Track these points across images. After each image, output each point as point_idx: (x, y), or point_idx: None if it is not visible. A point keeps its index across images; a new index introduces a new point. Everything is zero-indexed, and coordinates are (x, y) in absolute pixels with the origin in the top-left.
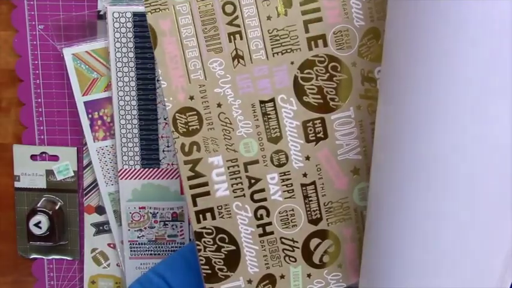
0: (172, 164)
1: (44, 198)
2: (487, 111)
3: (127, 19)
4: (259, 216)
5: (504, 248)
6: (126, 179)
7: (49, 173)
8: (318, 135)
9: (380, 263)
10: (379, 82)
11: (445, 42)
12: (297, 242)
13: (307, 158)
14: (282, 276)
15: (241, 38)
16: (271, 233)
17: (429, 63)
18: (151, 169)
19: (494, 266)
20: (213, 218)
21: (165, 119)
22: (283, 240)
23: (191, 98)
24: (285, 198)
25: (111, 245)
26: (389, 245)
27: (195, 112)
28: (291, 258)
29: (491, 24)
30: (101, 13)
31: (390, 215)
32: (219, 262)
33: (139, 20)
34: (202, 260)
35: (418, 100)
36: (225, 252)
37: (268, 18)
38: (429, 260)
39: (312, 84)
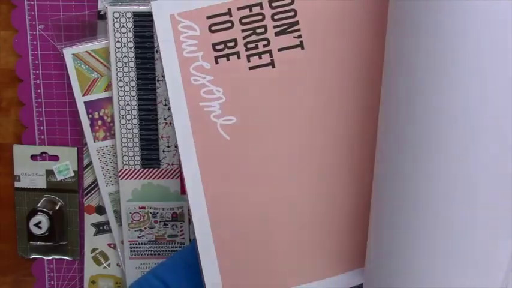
0: (172, 164)
1: (44, 198)
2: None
3: (127, 19)
4: None
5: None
6: (126, 179)
7: (49, 173)
8: None
9: (386, 263)
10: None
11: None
12: None
13: None
14: None
15: None
16: None
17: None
18: (151, 169)
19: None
20: None
21: (165, 119)
22: None
23: None
24: None
25: (111, 245)
26: (395, 245)
27: None
28: None
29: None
30: (101, 13)
31: (395, 216)
32: None
33: (139, 20)
34: None
35: (424, 103)
36: None
37: None
38: (435, 260)
39: None
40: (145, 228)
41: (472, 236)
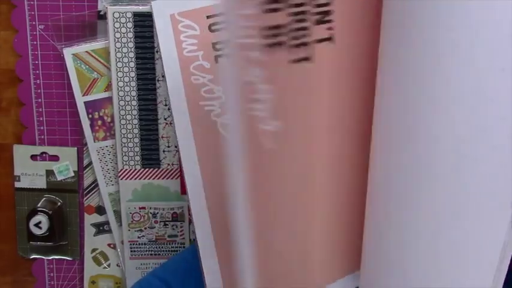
0: (172, 164)
1: (44, 198)
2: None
3: (127, 19)
4: None
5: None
6: (126, 179)
7: (49, 173)
8: None
9: (381, 267)
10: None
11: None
12: None
13: None
14: None
15: None
16: None
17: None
18: (151, 169)
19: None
20: None
21: (165, 119)
22: None
23: None
24: None
25: (111, 245)
26: (389, 248)
27: None
28: None
29: None
30: (101, 13)
31: (388, 215)
32: None
33: (139, 20)
34: None
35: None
36: None
37: None
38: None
39: None
40: (145, 228)
41: (463, 236)
